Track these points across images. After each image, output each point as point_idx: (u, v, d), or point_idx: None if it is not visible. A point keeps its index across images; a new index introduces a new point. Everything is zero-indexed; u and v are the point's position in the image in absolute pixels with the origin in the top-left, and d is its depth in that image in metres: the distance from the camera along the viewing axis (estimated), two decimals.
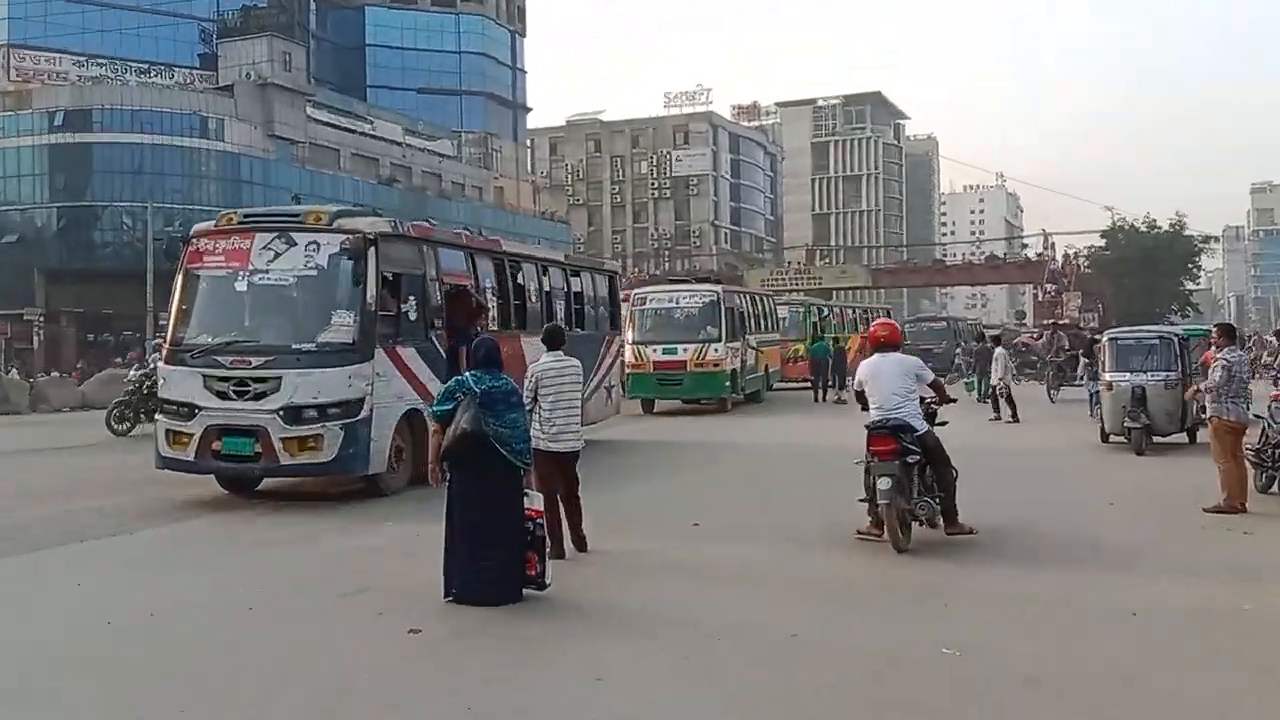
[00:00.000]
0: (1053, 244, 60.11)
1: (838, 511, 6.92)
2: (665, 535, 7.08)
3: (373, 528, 7.36)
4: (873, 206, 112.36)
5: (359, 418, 7.20)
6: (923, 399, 6.84)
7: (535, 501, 5.59)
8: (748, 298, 20.24)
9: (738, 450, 10.22)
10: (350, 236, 7.72)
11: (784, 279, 61.96)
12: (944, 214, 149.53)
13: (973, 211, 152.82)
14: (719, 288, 17.54)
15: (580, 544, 6.66)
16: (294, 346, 7.29)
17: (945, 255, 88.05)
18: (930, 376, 6.99)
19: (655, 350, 16.64)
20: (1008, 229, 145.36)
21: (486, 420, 5.24)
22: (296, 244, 7.79)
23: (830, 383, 20.68)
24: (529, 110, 70.02)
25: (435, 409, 5.35)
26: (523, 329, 9.93)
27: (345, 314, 7.63)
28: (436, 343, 8.09)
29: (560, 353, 6.42)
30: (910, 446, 6.44)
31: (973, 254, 78.41)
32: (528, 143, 72.93)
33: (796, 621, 4.92)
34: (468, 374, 5.39)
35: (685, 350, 16.54)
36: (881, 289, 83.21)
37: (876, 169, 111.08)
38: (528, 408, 6.04)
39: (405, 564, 6.25)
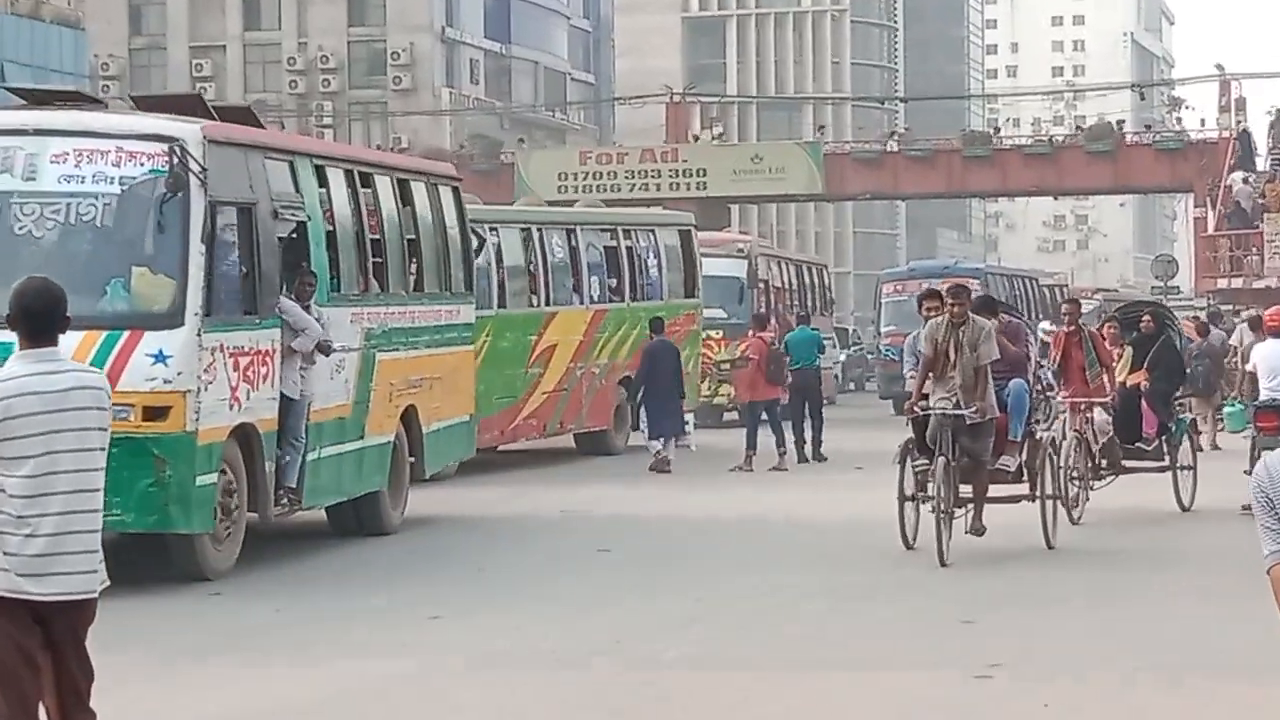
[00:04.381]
0: (1241, 99, 62.42)
1: None
2: None
3: None
4: (823, 4, 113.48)
5: None
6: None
7: None
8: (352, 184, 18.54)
9: None
10: None
11: (615, 172, 65.66)
12: (990, 25, 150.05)
13: (1057, 21, 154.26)
14: (195, 129, 15.53)
15: None
16: None
17: (994, 125, 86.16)
18: None
19: None
20: (1139, 66, 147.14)
21: None
22: None
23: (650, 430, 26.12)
24: None
25: None
26: None
27: None
28: None
29: (55, 351, 6.91)
30: None
31: (1055, 122, 77.40)
32: None
33: None
34: None
35: None
36: (847, 200, 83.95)
37: None
38: None
39: None
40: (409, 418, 18.84)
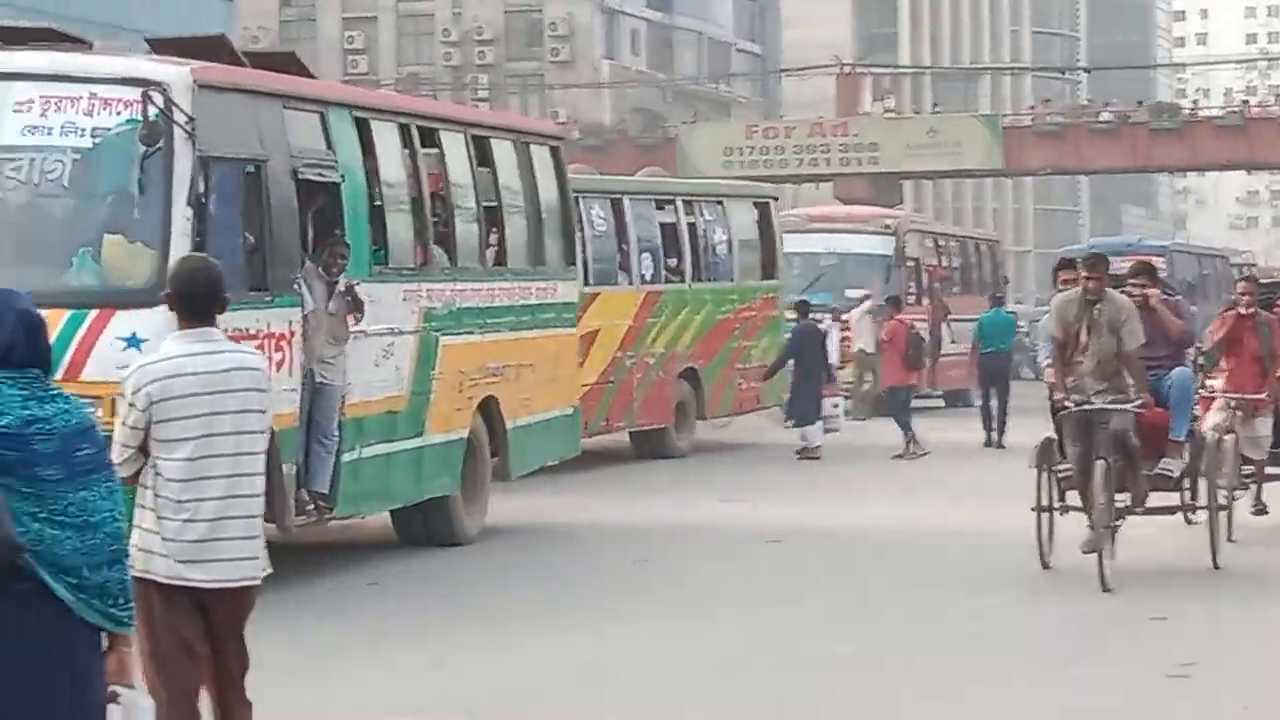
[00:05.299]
0: None
1: None
2: None
3: None
4: None
5: None
6: None
7: (138, 717, 5.93)
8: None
9: None
10: None
11: (782, 147, 65.53)
12: None
13: None
14: (182, 71, 14.77)
15: None
16: None
17: (1186, 94, 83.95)
18: None
19: None
20: None
21: (17, 510, 5.48)
22: None
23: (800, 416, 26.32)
24: None
25: None
26: None
27: None
28: None
29: (213, 331, 7.31)
30: None
31: (1248, 92, 75.44)
32: None
33: None
34: None
35: None
36: (1026, 175, 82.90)
37: None
38: (124, 471, 6.90)
39: None
40: (489, 411, 17.61)
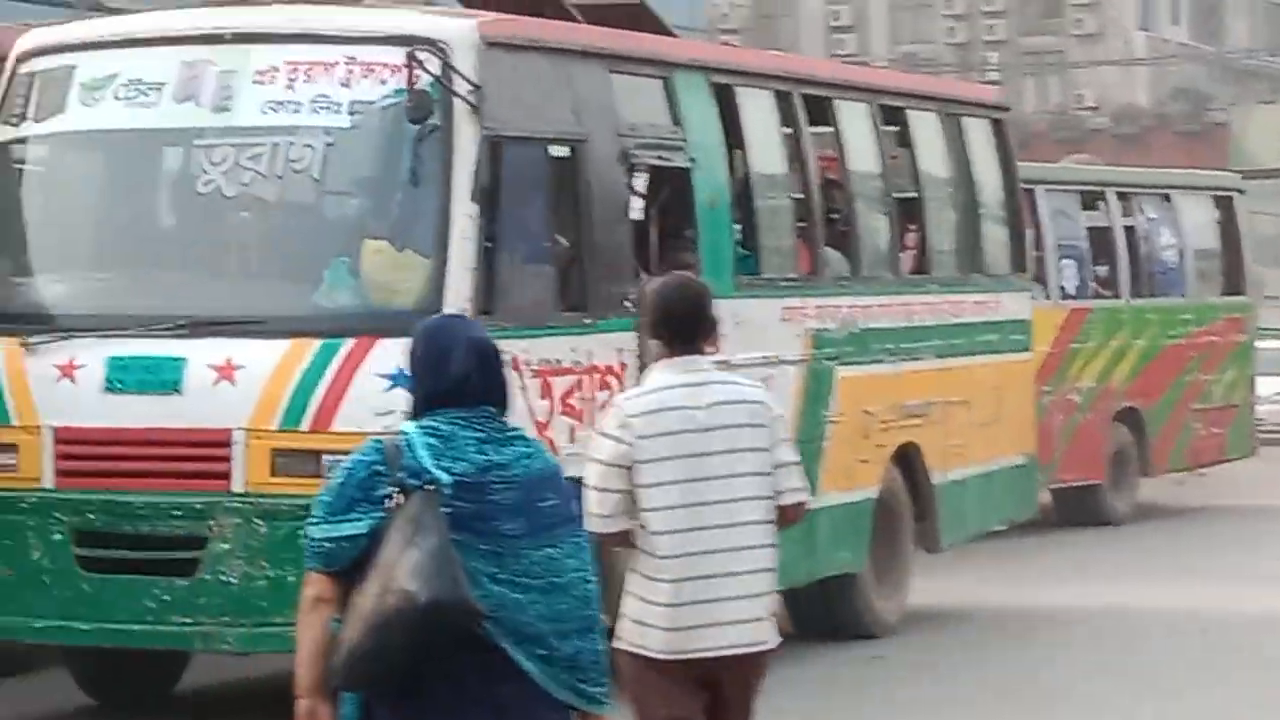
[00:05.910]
0: None
1: None
2: None
3: None
4: None
5: None
6: None
7: None
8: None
9: None
10: None
11: None
12: None
13: None
14: (465, 26, 15.13)
15: None
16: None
17: None
18: None
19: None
20: None
21: (474, 571, 5.99)
22: None
23: None
24: None
25: (315, 537, 6.16)
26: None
27: None
28: None
29: (699, 359, 7.81)
30: None
31: None
32: None
33: None
34: (413, 429, 6.18)
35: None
36: None
37: None
38: (602, 529, 7.39)
39: None
40: (909, 463, 17.26)
